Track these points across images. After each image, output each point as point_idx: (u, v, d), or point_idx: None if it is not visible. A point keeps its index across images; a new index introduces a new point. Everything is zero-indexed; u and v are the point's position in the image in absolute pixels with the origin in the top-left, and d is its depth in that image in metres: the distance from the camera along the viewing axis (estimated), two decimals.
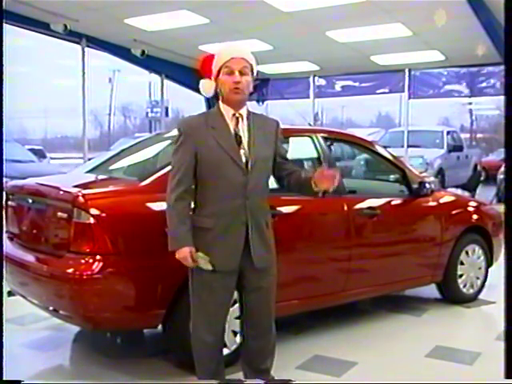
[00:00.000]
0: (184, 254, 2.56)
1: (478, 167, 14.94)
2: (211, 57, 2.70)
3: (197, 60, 2.80)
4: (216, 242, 2.62)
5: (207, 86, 2.71)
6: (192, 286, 2.72)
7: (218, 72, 2.64)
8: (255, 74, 2.71)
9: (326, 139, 3.96)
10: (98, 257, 2.92)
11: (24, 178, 3.90)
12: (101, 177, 3.71)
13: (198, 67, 2.77)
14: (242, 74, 2.60)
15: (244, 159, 2.61)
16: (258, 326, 2.81)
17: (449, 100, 18.83)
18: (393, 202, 4.20)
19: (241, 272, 2.70)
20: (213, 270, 2.60)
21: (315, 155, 3.85)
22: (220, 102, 2.69)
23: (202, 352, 2.77)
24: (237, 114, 2.66)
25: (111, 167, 3.87)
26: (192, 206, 2.67)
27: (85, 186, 3.33)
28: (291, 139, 3.92)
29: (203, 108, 11.04)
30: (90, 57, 10.27)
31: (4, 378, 2.31)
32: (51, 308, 3.20)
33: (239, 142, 2.63)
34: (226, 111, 2.66)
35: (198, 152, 2.60)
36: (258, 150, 2.64)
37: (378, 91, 12.86)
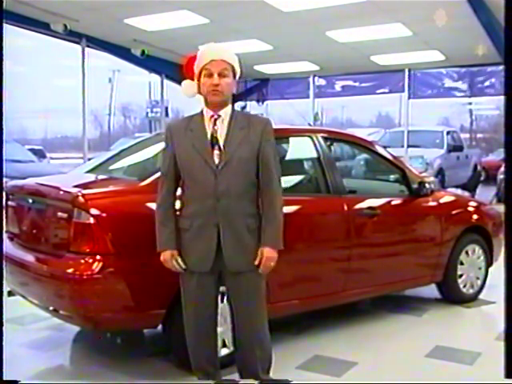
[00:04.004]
0: (164, 257, 2.69)
1: (478, 167, 14.93)
2: (193, 58, 2.73)
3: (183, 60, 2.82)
4: (191, 242, 2.68)
5: (188, 87, 2.76)
6: (181, 287, 2.81)
7: (200, 74, 2.67)
8: (238, 74, 2.73)
9: (325, 139, 3.96)
10: (97, 257, 2.92)
11: (24, 178, 3.90)
12: (101, 177, 3.71)
13: (182, 69, 2.79)
14: (221, 76, 2.62)
15: (217, 160, 2.62)
16: (240, 331, 2.82)
17: (449, 100, 18.82)
18: (393, 202, 4.19)
19: (221, 273, 2.72)
20: (189, 271, 2.69)
21: (315, 155, 3.85)
22: (203, 104, 2.72)
23: (191, 349, 2.83)
24: (215, 116, 2.67)
25: (111, 167, 3.87)
26: (178, 207, 2.74)
27: (85, 186, 3.33)
28: (291, 139, 3.94)
29: None
30: (89, 57, 10.28)
31: (4, 378, 2.31)
32: (51, 308, 3.20)
33: (215, 143, 2.64)
34: (207, 113, 2.70)
35: (176, 155, 2.68)
36: (234, 150, 2.63)
37: (378, 91, 12.88)
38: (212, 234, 2.64)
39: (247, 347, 2.81)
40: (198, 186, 2.64)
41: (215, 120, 2.68)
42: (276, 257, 2.72)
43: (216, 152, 2.63)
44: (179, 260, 2.69)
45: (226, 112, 2.69)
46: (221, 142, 2.64)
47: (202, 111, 2.73)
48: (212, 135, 2.65)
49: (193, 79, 2.75)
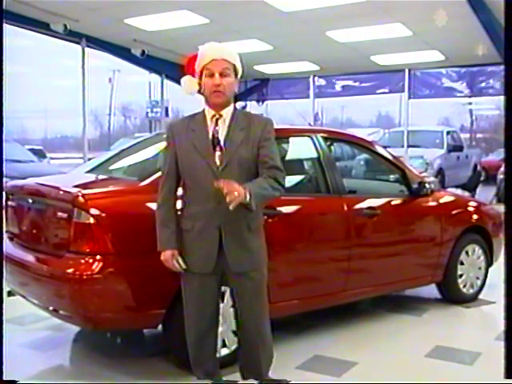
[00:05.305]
0: (165, 256, 2.67)
1: (478, 167, 14.94)
2: (194, 58, 2.71)
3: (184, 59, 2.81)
4: (193, 243, 2.67)
5: (189, 83, 2.72)
6: (182, 287, 2.80)
7: (201, 73, 2.66)
8: (239, 73, 2.71)
9: (325, 139, 3.96)
10: (97, 257, 2.92)
11: (24, 178, 3.90)
12: (101, 177, 3.71)
13: (183, 68, 2.78)
14: (222, 75, 2.61)
15: (218, 161, 2.60)
16: (243, 331, 2.82)
17: (449, 100, 18.86)
18: (393, 202, 4.19)
19: (223, 274, 2.72)
20: (191, 271, 2.68)
21: (315, 155, 3.85)
22: (205, 104, 2.71)
23: (191, 348, 2.82)
24: (216, 116, 2.66)
25: (111, 167, 3.87)
26: (180, 206, 2.73)
27: (85, 186, 3.33)
28: (291, 139, 3.93)
29: None
30: (89, 57, 10.28)
31: (4, 378, 2.31)
32: (51, 308, 3.20)
33: (216, 143, 2.63)
34: (208, 113, 2.69)
35: (178, 155, 2.67)
36: (234, 151, 2.61)
37: (378, 91, 12.89)
38: (214, 236, 2.63)
39: (251, 346, 2.81)
40: (199, 187, 2.63)
41: (217, 120, 2.67)
42: (240, 197, 2.38)
43: (217, 153, 2.62)
44: (180, 260, 2.68)
45: (227, 112, 2.68)
46: (221, 143, 2.64)
47: (203, 110, 2.72)
48: (213, 135, 2.65)
49: (194, 77, 2.74)
